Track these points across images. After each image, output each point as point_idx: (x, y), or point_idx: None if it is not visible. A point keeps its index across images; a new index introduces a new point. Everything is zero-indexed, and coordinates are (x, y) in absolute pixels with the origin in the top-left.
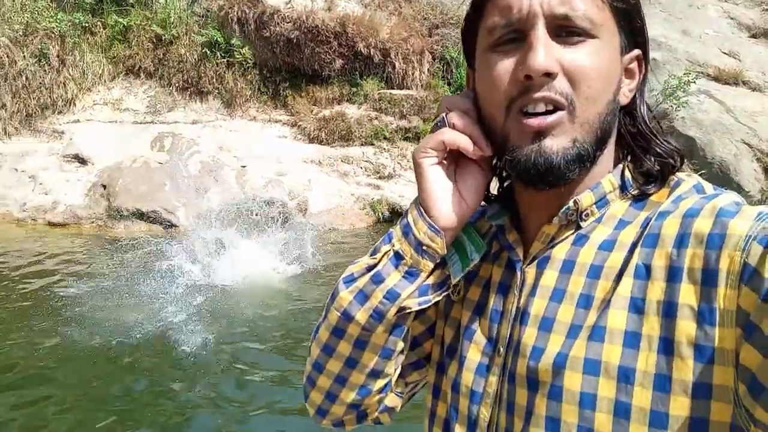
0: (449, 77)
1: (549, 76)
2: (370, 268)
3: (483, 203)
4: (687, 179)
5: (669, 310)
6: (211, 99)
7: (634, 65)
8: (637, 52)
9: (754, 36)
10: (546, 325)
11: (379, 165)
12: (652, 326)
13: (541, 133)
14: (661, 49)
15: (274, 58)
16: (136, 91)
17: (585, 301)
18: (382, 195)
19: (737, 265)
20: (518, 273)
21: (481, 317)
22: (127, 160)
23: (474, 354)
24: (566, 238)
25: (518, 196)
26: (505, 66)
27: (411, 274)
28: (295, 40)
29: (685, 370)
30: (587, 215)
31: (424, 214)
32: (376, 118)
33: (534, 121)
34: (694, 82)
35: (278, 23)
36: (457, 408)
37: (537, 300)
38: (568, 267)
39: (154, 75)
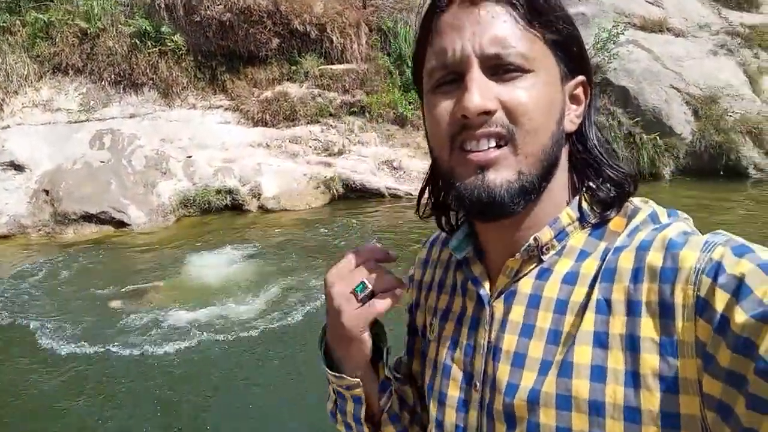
0: (387, 48)
1: (487, 113)
2: (334, 406)
3: (445, 231)
4: (643, 207)
5: (632, 344)
6: (147, 90)
7: (579, 91)
8: (580, 78)
9: None
10: (518, 361)
11: (327, 142)
12: (616, 359)
13: (484, 167)
14: (588, 2)
15: (208, 43)
16: (66, 89)
17: (554, 337)
18: (334, 172)
19: (691, 299)
20: (486, 308)
21: (455, 353)
22: (67, 162)
23: (453, 390)
24: (530, 271)
25: (477, 228)
26: (445, 106)
27: (357, 401)
28: (227, 23)
29: (653, 401)
30: (548, 249)
31: (337, 376)
32: (320, 95)
33: (477, 156)
34: (623, 33)
35: (208, 6)
36: None
37: (507, 336)
38: (534, 302)
39: (83, 71)
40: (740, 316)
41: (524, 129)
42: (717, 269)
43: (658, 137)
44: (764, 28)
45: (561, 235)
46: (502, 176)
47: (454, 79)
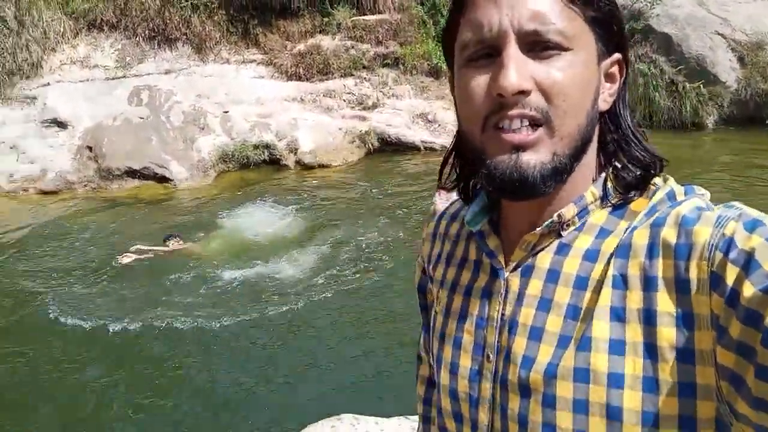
0: None
1: (522, 93)
2: None
3: (456, 200)
4: (662, 186)
5: (649, 318)
6: (180, 46)
7: (614, 69)
8: (617, 56)
9: None
10: (535, 334)
11: (362, 96)
12: (634, 333)
13: (519, 147)
14: None
15: None
16: (102, 45)
17: (573, 312)
18: (369, 126)
19: (705, 274)
20: (502, 281)
21: (466, 324)
22: (107, 119)
23: (465, 360)
24: (548, 246)
25: (501, 202)
26: (480, 82)
27: None
28: None
29: (670, 371)
30: (568, 225)
31: None
32: (353, 47)
33: (514, 137)
34: None
35: None
36: (460, 413)
37: (524, 309)
38: (553, 277)
39: (117, 27)
40: (749, 290)
41: (560, 110)
42: (729, 244)
43: (701, 85)
44: None
45: (582, 212)
46: (537, 158)
47: (489, 53)
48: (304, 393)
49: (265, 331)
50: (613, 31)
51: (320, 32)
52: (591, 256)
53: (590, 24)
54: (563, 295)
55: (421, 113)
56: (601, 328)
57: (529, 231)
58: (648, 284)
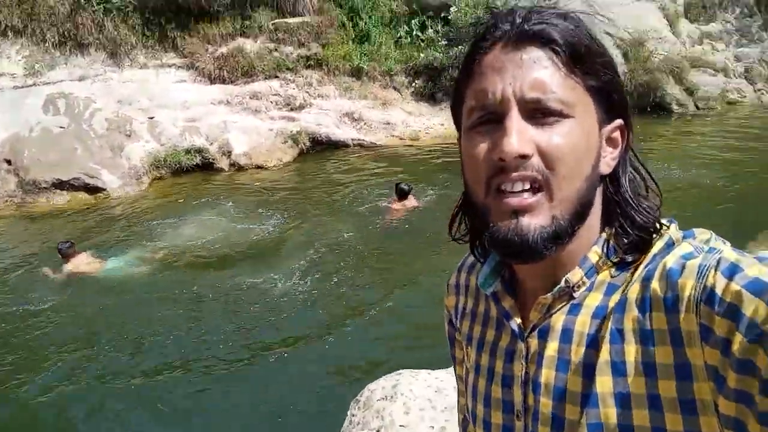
0: (339, 0)
1: (523, 157)
2: None
3: (476, 257)
4: (663, 234)
5: (649, 371)
6: (93, 51)
7: (616, 134)
8: (618, 122)
9: None
10: (558, 395)
11: (288, 97)
12: (637, 386)
13: (519, 211)
14: None
15: None
16: (8, 52)
17: (586, 370)
18: (300, 126)
19: (695, 327)
20: (522, 343)
21: (494, 383)
22: (23, 129)
23: (496, 418)
24: (561, 308)
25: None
26: (483, 147)
27: None
28: None
29: (677, 422)
30: (578, 287)
31: None
32: (276, 50)
33: (513, 200)
34: None
35: None
36: None
37: (545, 371)
38: (567, 336)
39: (24, 32)
40: (738, 340)
41: (560, 175)
42: (712, 296)
43: None
44: None
45: (590, 272)
46: (536, 222)
47: (493, 119)
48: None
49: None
50: (613, 99)
51: (241, 35)
52: (600, 313)
53: (591, 92)
54: (578, 353)
55: (347, 112)
56: (604, 383)
57: (541, 290)
58: (644, 337)
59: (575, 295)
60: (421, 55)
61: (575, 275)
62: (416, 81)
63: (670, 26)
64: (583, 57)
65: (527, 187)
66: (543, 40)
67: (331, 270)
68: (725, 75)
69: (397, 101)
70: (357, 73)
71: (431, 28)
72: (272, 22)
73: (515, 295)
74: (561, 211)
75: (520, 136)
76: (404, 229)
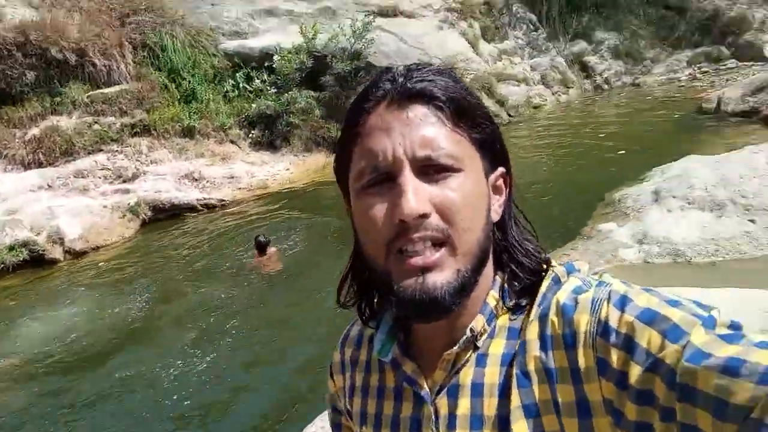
0: (157, 63)
1: (423, 217)
2: None
3: (355, 323)
4: (549, 272)
5: (556, 408)
6: None
7: (500, 182)
8: (501, 170)
9: None
10: None
11: (118, 169)
12: (550, 424)
13: (424, 270)
14: None
15: None
16: None
17: (501, 422)
18: (137, 197)
19: (592, 361)
20: (430, 407)
21: None
22: None
23: None
24: (468, 360)
25: (412, 323)
26: (379, 209)
27: None
28: None
29: None
30: (481, 334)
31: None
32: (96, 122)
33: (417, 260)
34: (374, 21)
35: None
36: None
37: None
38: (477, 391)
39: None
40: (635, 370)
41: (459, 228)
42: (607, 329)
43: None
44: (471, 1)
45: (490, 318)
46: (443, 277)
47: (386, 180)
48: None
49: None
50: (495, 149)
51: (53, 113)
52: (506, 359)
53: (475, 144)
54: (491, 406)
55: (186, 174)
56: (520, 429)
57: (444, 348)
58: (549, 376)
59: (479, 343)
60: (253, 105)
61: (478, 322)
62: (252, 131)
63: (473, 48)
64: (465, 111)
65: (429, 245)
66: (426, 98)
67: (217, 337)
68: (526, 84)
69: (237, 154)
70: (189, 132)
71: (257, 78)
72: (87, 95)
73: (415, 359)
74: (464, 263)
75: (417, 195)
76: (276, 280)
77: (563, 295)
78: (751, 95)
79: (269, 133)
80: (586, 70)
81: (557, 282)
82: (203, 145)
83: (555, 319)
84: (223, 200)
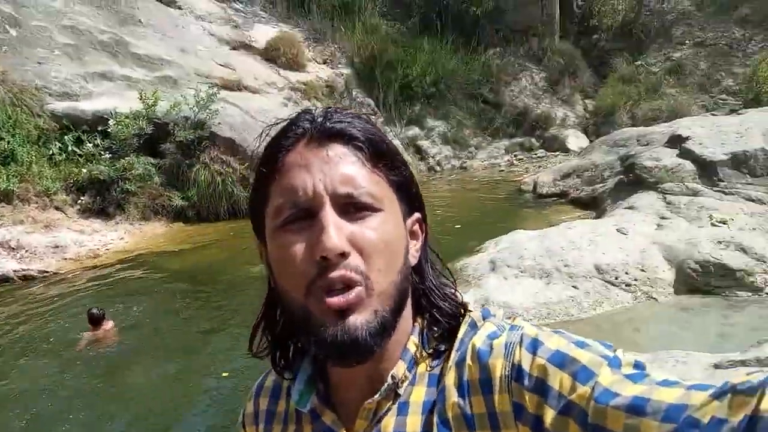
0: None
1: (343, 255)
2: None
3: (269, 372)
4: (467, 317)
5: None
6: None
7: (416, 227)
8: (417, 215)
9: (234, 48)
10: None
11: None
12: None
13: (343, 312)
14: (171, 67)
15: None
16: None
17: None
18: None
19: (508, 406)
20: None
21: None
22: None
23: None
24: (389, 409)
25: (329, 370)
26: (299, 247)
27: None
28: None
29: None
30: (402, 381)
31: None
32: None
33: (335, 300)
34: (219, 92)
35: None
36: None
37: None
38: None
39: None
40: (549, 414)
41: (376, 268)
42: (521, 373)
43: None
44: (313, 83)
45: (411, 364)
46: (362, 318)
47: (304, 216)
48: None
49: None
50: (412, 193)
51: None
52: (426, 407)
53: (393, 187)
54: None
55: (0, 242)
56: None
57: (365, 396)
58: (468, 423)
59: (400, 391)
60: (83, 170)
61: (399, 369)
62: (82, 198)
63: None
64: (384, 153)
65: (348, 285)
66: (346, 137)
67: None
68: None
69: (63, 221)
70: (6, 197)
71: (89, 142)
72: None
73: (334, 409)
74: (381, 304)
75: (338, 231)
76: (112, 356)
77: (479, 341)
78: (561, 180)
79: (101, 199)
80: (420, 152)
81: (473, 327)
82: (22, 211)
83: (471, 364)
84: (45, 271)
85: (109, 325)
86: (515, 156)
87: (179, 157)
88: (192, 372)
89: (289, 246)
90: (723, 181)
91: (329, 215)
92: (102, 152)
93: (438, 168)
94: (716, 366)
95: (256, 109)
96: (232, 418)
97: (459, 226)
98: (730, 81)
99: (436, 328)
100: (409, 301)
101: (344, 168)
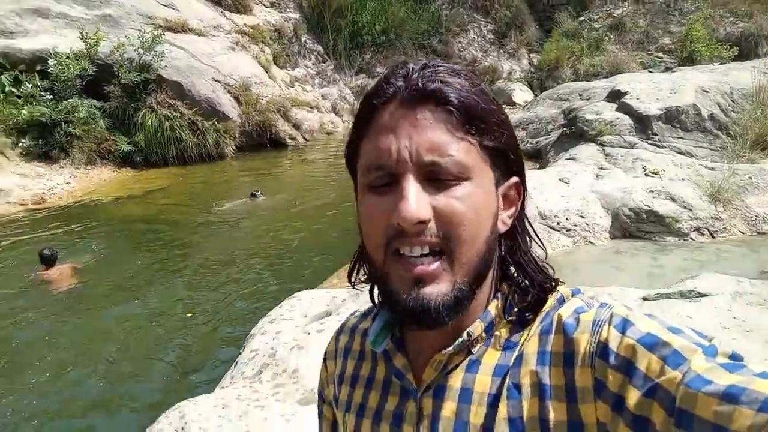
0: None
1: (422, 223)
2: None
3: (354, 313)
4: (555, 291)
5: (544, 425)
6: None
7: (512, 193)
8: (514, 179)
9: None
10: None
11: None
12: None
13: (420, 280)
14: (110, 5)
15: None
16: None
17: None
18: None
19: (590, 382)
20: (413, 404)
21: None
22: None
23: None
24: (459, 364)
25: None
26: (381, 209)
27: None
28: None
29: None
30: (477, 341)
31: None
32: None
33: (414, 268)
34: (164, 34)
35: None
36: None
37: None
38: (465, 396)
39: None
40: (633, 395)
41: (460, 239)
42: (607, 350)
43: (216, 122)
44: (261, 26)
45: (489, 327)
46: (438, 289)
47: (389, 180)
48: None
49: None
50: (509, 158)
51: None
52: (499, 371)
53: (486, 152)
54: (477, 415)
55: None
56: None
57: (437, 347)
58: (541, 392)
59: (473, 350)
60: (23, 112)
61: (476, 328)
62: (22, 140)
63: (266, 72)
64: (478, 117)
65: (427, 251)
66: (439, 100)
67: (19, 361)
68: (318, 111)
69: (5, 165)
70: None
71: (28, 82)
72: None
73: (407, 354)
74: (462, 276)
75: (418, 200)
76: (65, 297)
77: (565, 313)
78: None
79: (44, 142)
80: None
81: (561, 301)
82: None
83: (555, 336)
84: None
85: (64, 266)
86: None
87: (125, 101)
88: (155, 314)
89: (371, 208)
90: (657, 135)
91: (410, 183)
92: (42, 93)
93: None
94: (644, 299)
95: (203, 53)
96: (201, 359)
97: None
98: (667, 39)
99: (522, 297)
100: (494, 268)
101: (432, 134)
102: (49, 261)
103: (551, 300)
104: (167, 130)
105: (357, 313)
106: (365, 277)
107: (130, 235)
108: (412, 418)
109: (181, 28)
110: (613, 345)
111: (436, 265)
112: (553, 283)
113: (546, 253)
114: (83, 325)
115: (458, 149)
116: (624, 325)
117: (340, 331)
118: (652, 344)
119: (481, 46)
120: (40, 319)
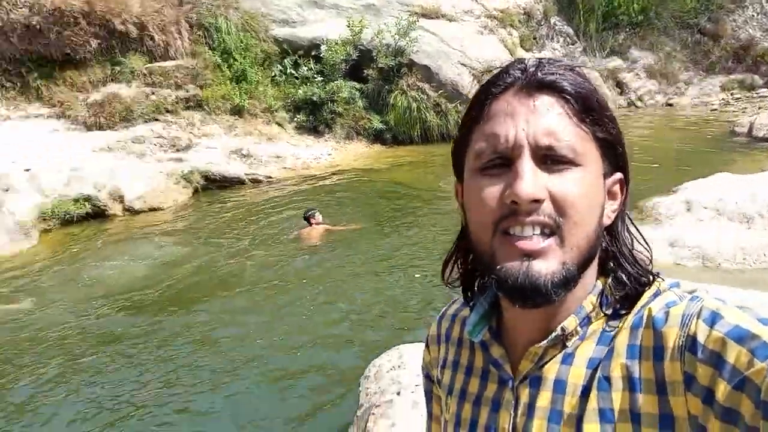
0: (211, 42)
1: (537, 202)
2: None
3: (455, 300)
4: (654, 285)
5: (634, 418)
6: None
7: (616, 188)
8: (619, 175)
9: None
10: None
11: (173, 138)
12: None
13: (530, 255)
14: None
15: (13, 48)
16: None
17: (579, 421)
18: (191, 166)
19: (679, 375)
20: (511, 392)
21: None
22: None
23: None
24: (554, 357)
25: (504, 308)
26: (493, 190)
27: None
28: (37, 26)
29: None
30: (571, 335)
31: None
32: (153, 93)
33: (525, 244)
34: (418, 20)
35: (11, 10)
36: None
37: (537, 421)
38: (560, 387)
39: None
40: (722, 387)
41: (572, 221)
42: (695, 344)
43: (459, 104)
44: (510, 10)
45: (584, 321)
46: (548, 267)
47: (503, 164)
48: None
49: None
50: (617, 152)
51: (113, 81)
52: (592, 363)
53: (598, 143)
54: (571, 405)
55: (235, 149)
56: (592, 430)
57: (534, 339)
58: (632, 384)
59: (568, 344)
60: (299, 91)
61: (571, 323)
62: (297, 116)
63: (511, 55)
64: (593, 108)
65: (538, 231)
66: (555, 89)
67: (275, 295)
68: None
69: (282, 135)
70: (238, 111)
71: (304, 66)
72: (145, 66)
73: (503, 345)
74: (571, 257)
75: (534, 179)
76: (325, 249)
77: (655, 308)
78: None
79: (313, 118)
80: (620, 86)
81: (656, 295)
82: (251, 124)
83: (645, 330)
84: (270, 177)
85: (320, 227)
86: (731, 94)
87: (380, 83)
88: (391, 270)
89: (484, 189)
90: None
91: (526, 163)
92: (315, 75)
93: (639, 103)
94: None
95: (452, 37)
96: (422, 307)
97: (657, 165)
98: None
99: (619, 291)
100: (595, 261)
101: (549, 119)
102: (308, 221)
103: (648, 294)
104: (414, 111)
105: (458, 299)
106: (457, 275)
107: (376, 199)
108: (509, 406)
109: (435, 14)
110: (701, 338)
111: (547, 242)
112: (651, 277)
113: (651, 254)
114: (334, 269)
115: (573, 135)
116: (713, 318)
117: (442, 317)
118: (741, 337)
119: (760, 24)
120: (299, 265)
